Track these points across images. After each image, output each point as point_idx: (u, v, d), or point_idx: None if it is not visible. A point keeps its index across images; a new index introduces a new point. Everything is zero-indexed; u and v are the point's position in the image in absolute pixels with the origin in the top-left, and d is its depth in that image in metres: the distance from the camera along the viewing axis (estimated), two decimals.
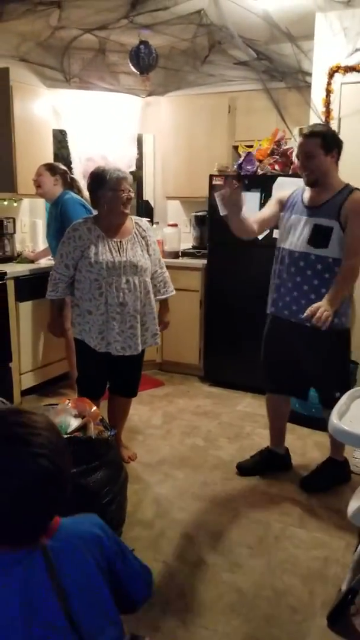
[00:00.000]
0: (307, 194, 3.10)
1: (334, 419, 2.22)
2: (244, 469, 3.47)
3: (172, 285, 3.53)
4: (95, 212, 3.32)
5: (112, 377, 3.44)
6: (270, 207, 3.27)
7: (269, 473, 3.44)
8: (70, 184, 4.36)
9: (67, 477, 1.22)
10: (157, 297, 3.44)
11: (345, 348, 3.19)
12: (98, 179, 3.16)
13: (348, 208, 2.94)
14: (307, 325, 2.93)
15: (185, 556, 2.69)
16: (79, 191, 4.33)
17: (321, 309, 2.79)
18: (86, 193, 3.44)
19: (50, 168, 4.29)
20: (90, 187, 3.22)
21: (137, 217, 3.40)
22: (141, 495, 3.20)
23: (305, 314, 2.84)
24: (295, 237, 3.07)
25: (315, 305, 2.83)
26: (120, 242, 3.20)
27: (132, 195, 3.20)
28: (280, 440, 3.52)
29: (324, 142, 2.95)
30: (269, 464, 3.49)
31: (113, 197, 3.13)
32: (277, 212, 3.22)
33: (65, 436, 2.56)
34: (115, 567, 1.35)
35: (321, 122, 3.12)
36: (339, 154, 3.02)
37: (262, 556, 2.69)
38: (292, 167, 4.38)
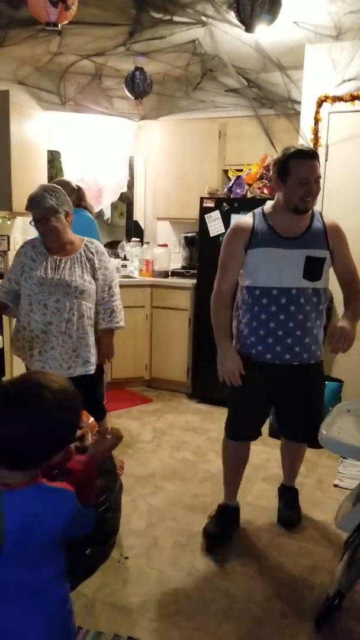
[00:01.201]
0: (278, 222, 2.77)
1: (323, 430, 2.34)
2: (212, 537, 3.00)
3: (122, 317, 3.33)
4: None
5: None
6: (236, 258, 2.83)
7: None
8: (79, 200, 4.20)
9: (64, 435, 1.46)
10: (100, 327, 3.27)
11: (322, 380, 3.14)
12: (28, 202, 3.09)
13: (333, 234, 2.80)
14: (295, 364, 2.83)
15: (177, 563, 2.77)
16: (85, 207, 4.28)
17: (348, 337, 2.66)
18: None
19: (64, 185, 4.27)
20: None
21: (90, 240, 3.27)
22: (134, 506, 3.28)
23: (332, 348, 2.69)
24: (287, 273, 2.74)
25: (344, 334, 2.66)
26: (60, 259, 3.13)
27: (58, 225, 3.04)
28: (236, 492, 3.17)
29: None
30: (232, 523, 3.11)
31: (36, 227, 3.12)
32: (244, 257, 2.82)
33: None
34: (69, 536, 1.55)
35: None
36: None
37: (252, 564, 2.78)
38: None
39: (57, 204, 3.03)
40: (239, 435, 3.03)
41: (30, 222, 3.13)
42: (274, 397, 2.97)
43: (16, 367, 4.52)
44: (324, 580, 2.65)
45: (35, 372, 1.60)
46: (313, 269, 2.76)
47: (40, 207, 3.01)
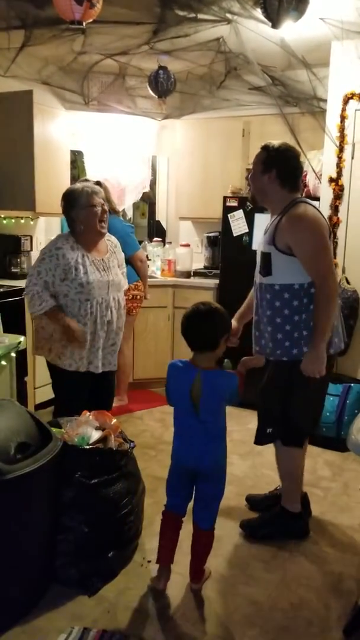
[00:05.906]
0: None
1: (352, 434, 2.28)
2: (252, 503, 3.34)
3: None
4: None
5: (90, 397, 3.32)
6: None
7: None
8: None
9: (221, 331, 2.48)
10: None
11: (295, 381, 2.85)
12: (69, 198, 3.16)
13: (283, 229, 2.71)
14: (270, 359, 2.92)
15: None
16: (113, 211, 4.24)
17: (307, 367, 2.74)
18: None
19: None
20: (64, 209, 3.20)
21: (107, 235, 3.35)
22: (156, 508, 3.21)
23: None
24: (257, 267, 2.93)
25: (303, 364, 2.75)
26: (103, 260, 3.23)
27: (107, 208, 3.23)
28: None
29: (265, 158, 2.80)
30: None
31: (88, 214, 3.11)
32: None
33: (87, 447, 2.62)
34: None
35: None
36: (283, 174, 2.77)
37: (277, 570, 2.73)
38: (305, 190, 4.48)
39: None
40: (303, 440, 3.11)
41: (79, 226, 3.17)
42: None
43: (38, 367, 4.52)
44: (351, 588, 2.59)
45: (201, 302, 2.49)
46: (263, 264, 2.84)
47: (100, 196, 3.17)
